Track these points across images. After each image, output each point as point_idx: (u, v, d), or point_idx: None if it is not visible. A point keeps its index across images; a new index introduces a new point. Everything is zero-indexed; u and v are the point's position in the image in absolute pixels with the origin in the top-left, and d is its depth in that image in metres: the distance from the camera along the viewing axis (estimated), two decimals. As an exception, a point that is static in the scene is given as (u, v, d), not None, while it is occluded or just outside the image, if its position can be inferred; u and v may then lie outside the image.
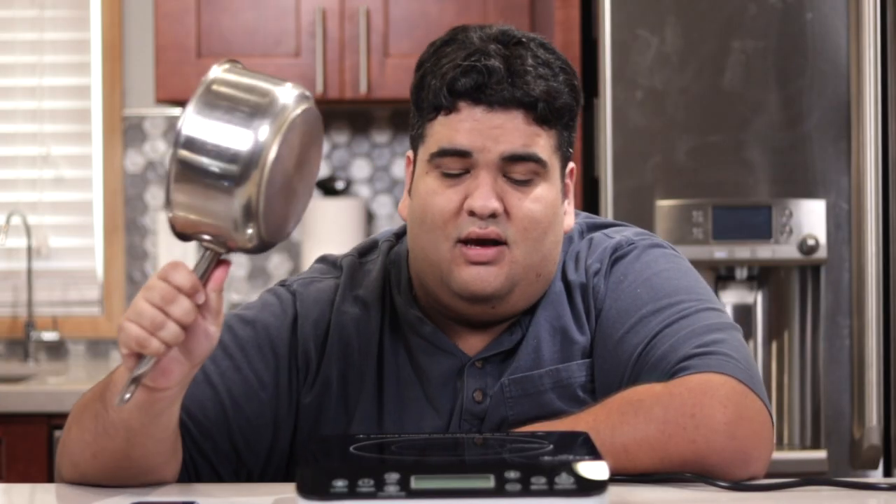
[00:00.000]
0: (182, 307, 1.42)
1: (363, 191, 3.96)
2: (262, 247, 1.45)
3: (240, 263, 3.95)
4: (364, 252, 1.80)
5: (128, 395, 1.43)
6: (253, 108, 1.42)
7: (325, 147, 3.94)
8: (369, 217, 3.89)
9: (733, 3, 2.91)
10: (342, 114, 3.93)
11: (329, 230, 3.76)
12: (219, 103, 1.42)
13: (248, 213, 1.41)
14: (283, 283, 1.78)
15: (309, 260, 3.67)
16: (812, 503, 1.50)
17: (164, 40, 3.57)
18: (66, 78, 3.97)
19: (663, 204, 2.89)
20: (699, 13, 2.91)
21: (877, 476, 2.86)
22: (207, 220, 1.43)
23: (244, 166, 1.40)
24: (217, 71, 1.46)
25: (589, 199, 3.09)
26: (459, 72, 1.62)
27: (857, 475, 2.85)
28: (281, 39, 3.58)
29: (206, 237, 1.45)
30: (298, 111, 1.44)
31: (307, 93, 1.47)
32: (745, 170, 2.90)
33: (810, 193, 2.90)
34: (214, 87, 1.43)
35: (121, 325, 1.44)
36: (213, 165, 1.40)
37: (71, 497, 1.56)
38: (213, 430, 1.67)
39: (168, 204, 1.43)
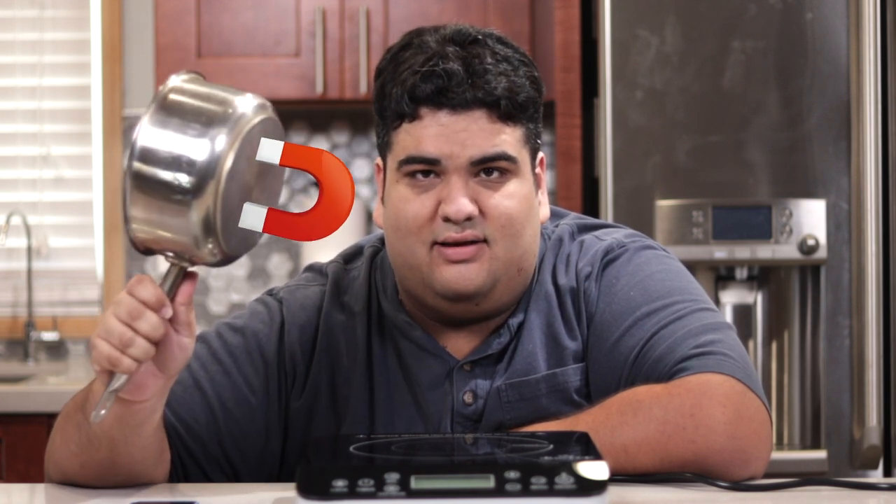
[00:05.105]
0: (149, 322, 1.42)
1: (363, 191, 3.96)
2: (226, 260, 1.44)
3: (240, 264, 3.95)
4: (349, 258, 1.80)
5: (103, 412, 1.43)
6: (209, 118, 1.39)
7: (326, 147, 3.93)
8: (369, 217, 3.89)
9: (733, 3, 2.91)
10: (342, 114, 3.93)
11: (329, 230, 3.76)
12: (174, 114, 1.39)
13: (207, 227, 1.39)
14: (270, 292, 1.78)
15: (309, 260, 3.66)
16: (812, 503, 1.50)
17: (164, 40, 3.57)
18: (66, 78, 3.97)
19: (663, 204, 2.89)
20: (699, 13, 2.91)
21: (877, 476, 2.86)
22: (167, 236, 1.40)
23: (199, 177, 1.37)
24: (175, 81, 1.42)
25: (589, 199, 3.09)
26: (419, 78, 1.61)
27: (857, 475, 2.85)
28: (281, 39, 3.58)
29: (169, 253, 1.43)
30: (256, 120, 1.41)
31: (267, 103, 1.44)
32: (745, 170, 2.90)
33: (810, 193, 2.90)
34: (171, 97, 1.40)
35: (92, 342, 1.44)
36: (168, 177, 1.37)
37: (70, 498, 1.56)
38: (203, 435, 1.67)
39: (126, 220, 1.41)
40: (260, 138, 1.42)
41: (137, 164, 1.38)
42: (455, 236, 1.62)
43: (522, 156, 1.66)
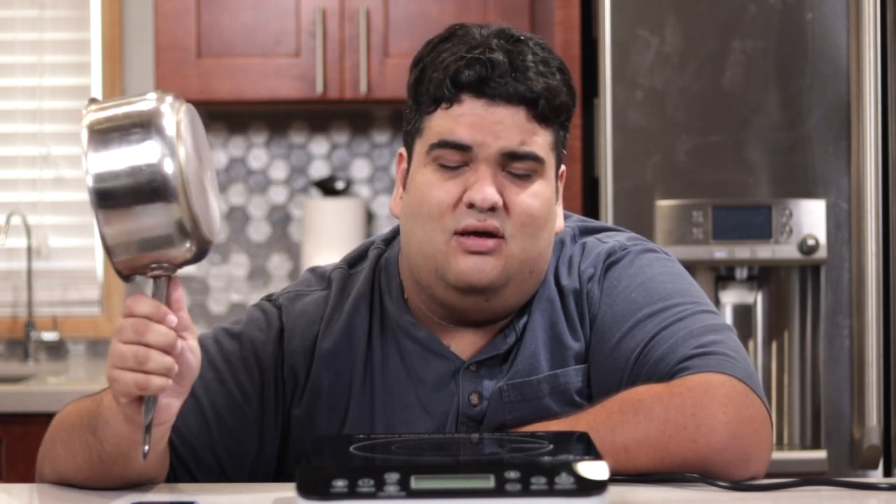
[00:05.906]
0: (158, 333, 1.43)
1: (363, 191, 3.95)
2: (202, 251, 1.46)
3: (240, 264, 3.95)
4: (353, 262, 1.80)
5: (147, 448, 1.45)
6: (143, 125, 1.43)
7: (326, 147, 3.94)
8: (369, 217, 3.89)
9: (733, 3, 2.91)
10: (342, 114, 3.93)
11: (329, 230, 3.76)
12: (109, 134, 1.43)
13: (181, 222, 1.42)
14: (269, 298, 1.78)
15: (309, 260, 3.67)
16: (812, 503, 1.50)
17: (164, 40, 3.57)
18: (66, 78, 3.97)
19: (663, 204, 2.89)
20: (699, 13, 2.91)
21: (877, 476, 2.86)
22: (147, 244, 1.43)
23: (161, 175, 1.41)
24: (87, 114, 1.45)
25: (589, 199, 3.09)
26: (463, 64, 1.62)
27: (857, 475, 2.85)
28: (281, 39, 3.58)
29: (152, 265, 1.45)
30: (182, 109, 1.45)
31: (174, 93, 1.47)
32: (745, 170, 2.90)
33: (810, 193, 2.90)
34: (97, 125, 1.44)
35: (110, 376, 1.45)
36: (132, 184, 1.41)
37: (70, 497, 1.56)
38: (195, 442, 1.67)
39: (107, 251, 1.43)
40: (190, 115, 1.46)
41: (98, 186, 1.41)
42: (476, 224, 1.62)
43: (549, 160, 1.67)
